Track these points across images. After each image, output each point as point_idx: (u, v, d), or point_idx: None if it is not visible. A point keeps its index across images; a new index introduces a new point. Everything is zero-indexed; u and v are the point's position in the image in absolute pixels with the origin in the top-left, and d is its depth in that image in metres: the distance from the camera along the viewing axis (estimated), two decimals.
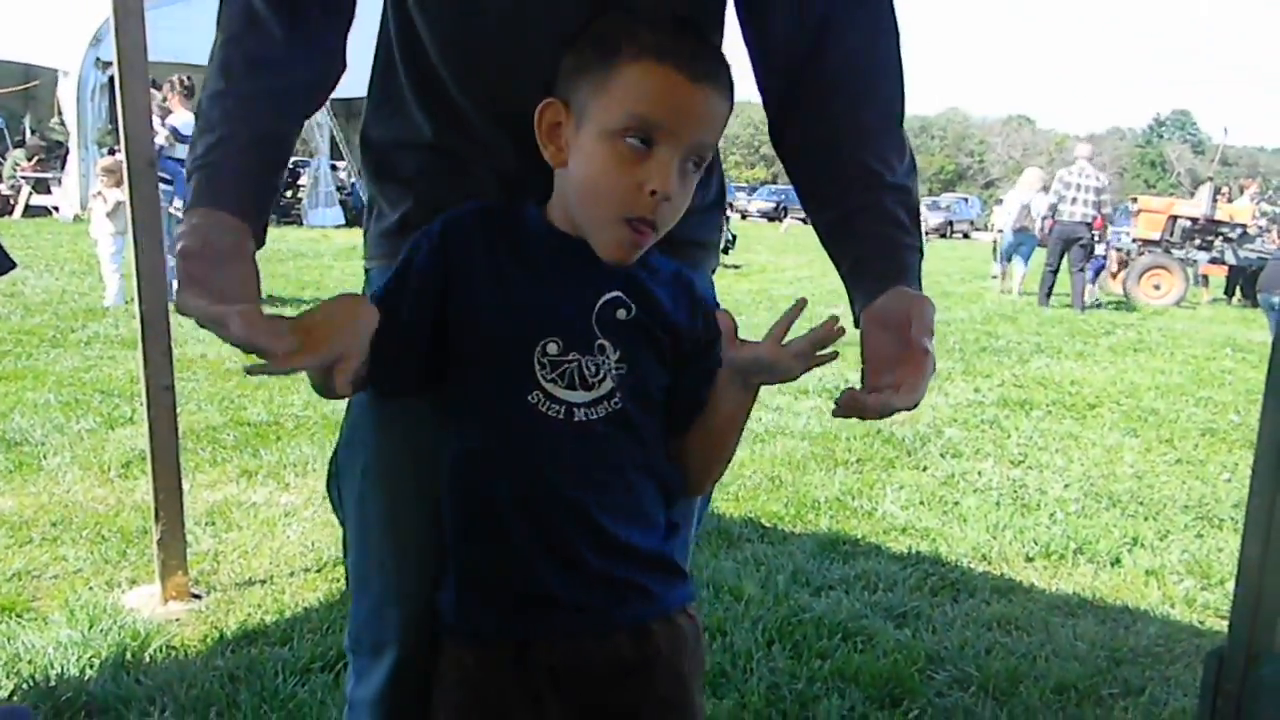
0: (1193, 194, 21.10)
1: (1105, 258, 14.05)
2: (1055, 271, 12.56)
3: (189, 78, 8.98)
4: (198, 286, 1.02)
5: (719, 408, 1.17)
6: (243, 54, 1.16)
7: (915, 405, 1.12)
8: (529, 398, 1.11)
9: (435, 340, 1.13)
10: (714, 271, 1.38)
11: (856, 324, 1.21)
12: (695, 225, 1.27)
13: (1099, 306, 13.04)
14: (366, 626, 1.32)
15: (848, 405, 1.09)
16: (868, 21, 1.23)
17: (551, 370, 1.11)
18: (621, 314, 1.14)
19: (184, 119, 8.73)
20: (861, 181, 1.21)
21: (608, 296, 1.13)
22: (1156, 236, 14.76)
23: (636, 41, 1.06)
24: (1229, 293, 14.90)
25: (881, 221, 1.21)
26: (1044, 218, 12.80)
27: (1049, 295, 12.62)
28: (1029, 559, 3.68)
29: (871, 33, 1.23)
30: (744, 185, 44.00)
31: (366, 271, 1.33)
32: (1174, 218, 15.05)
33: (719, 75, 1.10)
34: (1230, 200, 15.88)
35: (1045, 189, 13.23)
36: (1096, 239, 12.75)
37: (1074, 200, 12.39)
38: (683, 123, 1.07)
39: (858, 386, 1.18)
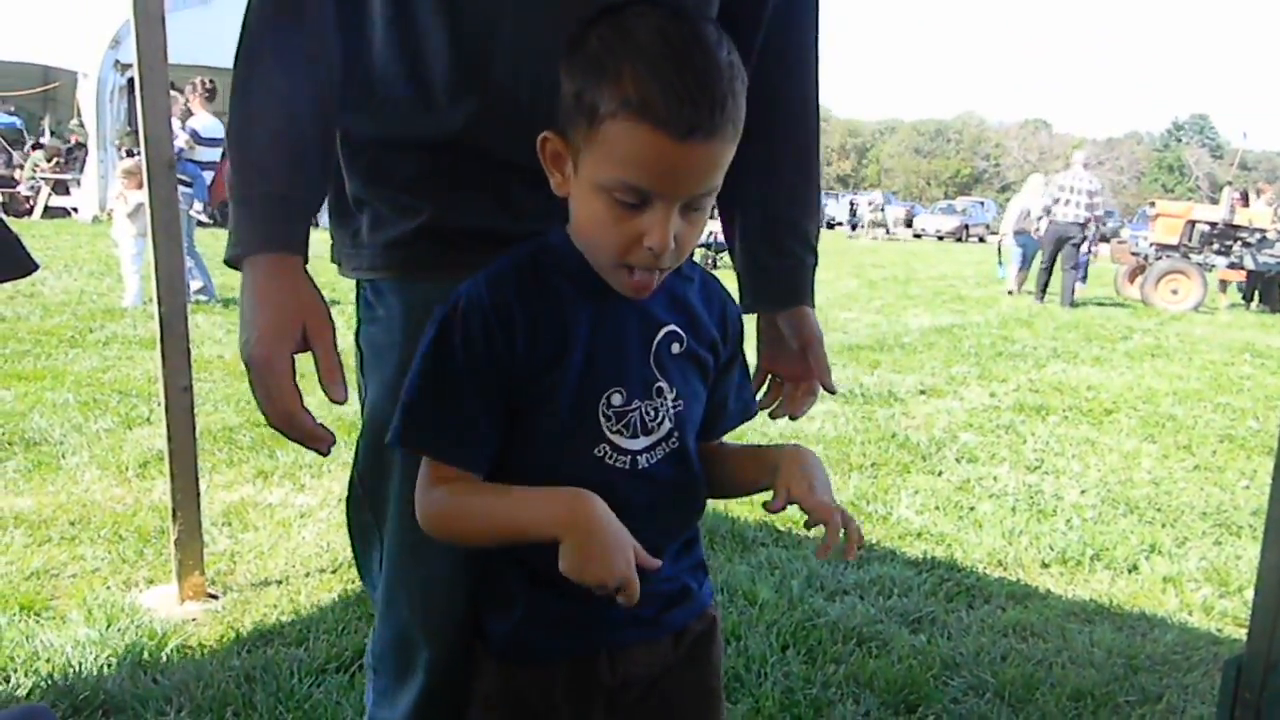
0: (1214, 199, 20.94)
1: (1089, 255, 14.65)
2: (1050, 269, 13.42)
3: (211, 80, 9.03)
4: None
5: (750, 481, 1.22)
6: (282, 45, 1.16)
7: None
8: (595, 451, 1.10)
9: (499, 406, 1.09)
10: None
11: (743, 302, 1.45)
12: None
13: (1082, 305, 13.53)
14: (391, 650, 1.31)
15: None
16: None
17: (617, 421, 1.10)
18: (675, 348, 1.13)
19: (204, 122, 8.79)
20: (786, 196, 1.45)
21: (664, 332, 1.12)
22: (1174, 241, 14.66)
23: (620, 90, 0.98)
24: (1248, 298, 14.79)
25: (793, 240, 1.46)
26: (1038, 218, 13.74)
27: (1044, 292, 13.37)
28: (1045, 565, 3.66)
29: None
30: None
31: (371, 284, 1.27)
32: (1192, 222, 14.96)
33: (712, 118, 0.99)
34: (1247, 205, 15.76)
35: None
36: (1085, 240, 13.53)
37: (1068, 202, 13.16)
38: (672, 185, 1.01)
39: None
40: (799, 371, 1.49)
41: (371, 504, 1.30)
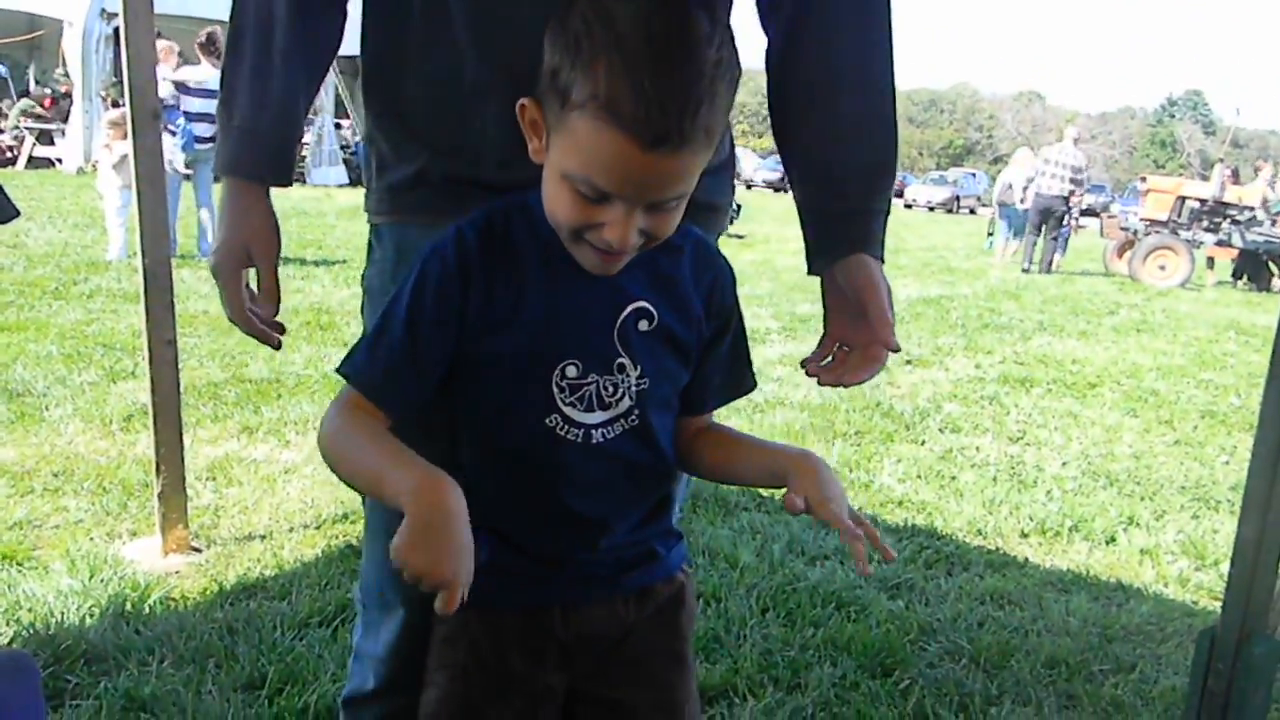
0: (1205, 176, 20.97)
1: (1069, 228, 14.95)
2: (1037, 238, 14.05)
3: (212, 31, 8.93)
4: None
5: (750, 478, 1.24)
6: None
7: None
8: (547, 421, 1.09)
9: (443, 358, 1.10)
10: (719, 235, 1.37)
11: (810, 263, 1.37)
12: (705, 187, 1.23)
13: (1068, 277, 13.91)
14: (377, 582, 1.35)
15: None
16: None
17: (571, 394, 1.09)
18: (644, 325, 1.11)
19: (198, 73, 8.71)
20: (851, 141, 1.31)
21: (631, 309, 1.10)
22: (1164, 217, 14.69)
23: (591, 83, 0.95)
24: (1236, 275, 14.84)
25: (858, 186, 1.32)
26: (1022, 189, 14.29)
27: (1030, 260, 14.02)
28: (1024, 535, 3.70)
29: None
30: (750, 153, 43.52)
31: (375, 227, 1.32)
32: (1182, 198, 14.98)
33: (682, 128, 0.95)
34: (1239, 182, 15.78)
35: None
36: (1068, 212, 14.08)
37: (1052, 175, 13.67)
38: (635, 191, 0.99)
39: None
40: (864, 337, 1.31)
41: None
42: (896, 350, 1.29)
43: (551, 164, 1.03)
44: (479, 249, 1.07)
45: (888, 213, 1.34)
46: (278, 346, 1.38)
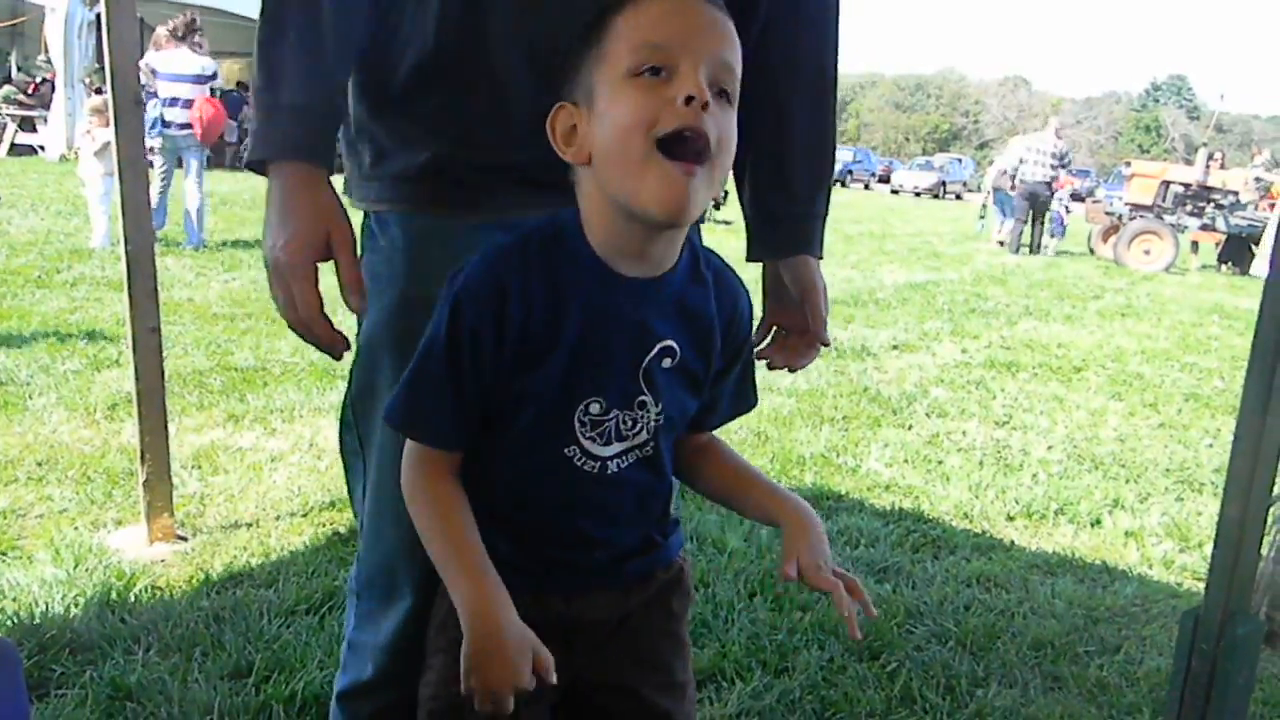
0: (1189, 160, 21.05)
1: (1060, 213, 15.56)
2: (1024, 223, 14.46)
3: (192, 17, 8.86)
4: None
5: (746, 511, 1.25)
6: None
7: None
8: (565, 450, 1.10)
9: (485, 392, 1.09)
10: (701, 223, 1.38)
11: (749, 255, 1.48)
12: None
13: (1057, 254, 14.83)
14: (378, 574, 1.34)
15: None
16: None
17: (591, 429, 1.10)
18: (667, 363, 1.11)
19: (166, 57, 8.64)
20: (801, 143, 1.42)
21: (659, 348, 1.10)
22: (1148, 201, 14.75)
23: (621, 6, 1.02)
24: (1221, 260, 14.92)
25: (803, 187, 1.43)
26: (1009, 175, 14.88)
27: (1019, 244, 14.45)
28: (1010, 518, 3.71)
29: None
30: None
31: (376, 215, 1.29)
32: (1166, 183, 15.04)
33: None
34: (1223, 167, 15.86)
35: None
36: (1053, 197, 14.63)
37: (1036, 162, 14.08)
38: (694, 35, 1.00)
39: (843, 344, 1.36)
40: (801, 323, 1.46)
41: (360, 429, 1.33)
42: (828, 345, 1.47)
43: (605, 105, 1.01)
44: (520, 277, 1.05)
45: (827, 214, 1.47)
46: (340, 356, 1.21)
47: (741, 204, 1.47)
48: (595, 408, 1.09)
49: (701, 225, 1.37)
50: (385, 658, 1.35)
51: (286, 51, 1.16)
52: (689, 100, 0.97)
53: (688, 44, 0.99)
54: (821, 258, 1.46)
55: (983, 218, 17.40)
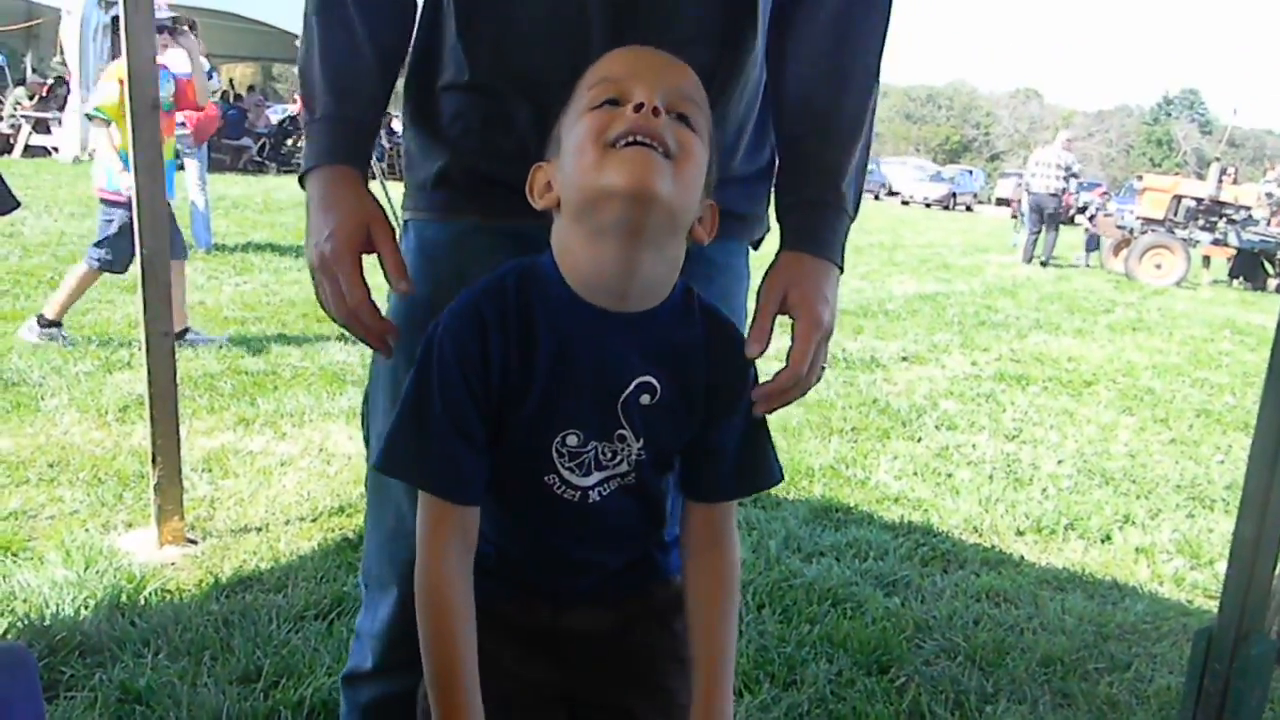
0: (1201, 175, 21.04)
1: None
2: (1036, 234, 14.67)
3: (189, 20, 8.89)
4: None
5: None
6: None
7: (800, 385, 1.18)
8: (545, 479, 1.10)
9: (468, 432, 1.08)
10: (757, 246, 1.37)
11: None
12: (734, 195, 1.25)
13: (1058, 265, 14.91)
14: (376, 561, 1.38)
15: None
16: None
17: (570, 460, 1.10)
18: (646, 399, 1.09)
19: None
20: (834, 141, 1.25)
21: (637, 382, 1.08)
22: (1160, 215, 14.71)
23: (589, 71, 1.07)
24: (1233, 275, 14.87)
25: (824, 187, 1.24)
26: (1019, 186, 15.33)
27: (1030, 255, 14.68)
28: (1020, 533, 3.70)
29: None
30: None
31: (404, 223, 1.34)
32: (1178, 197, 14.99)
33: (678, 55, 1.07)
34: (1236, 182, 15.81)
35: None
36: (1062, 209, 14.82)
37: (1046, 175, 14.35)
38: (647, 69, 1.04)
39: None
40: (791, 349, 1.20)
41: (370, 422, 1.36)
42: (800, 384, 1.18)
43: (569, 144, 1.04)
44: (497, 317, 1.06)
45: (852, 213, 1.29)
46: (390, 351, 1.22)
47: (777, 191, 1.32)
48: (573, 440, 1.09)
49: (757, 246, 1.36)
50: (381, 646, 1.38)
51: (318, 68, 1.22)
52: (639, 107, 1.00)
53: (641, 75, 1.03)
54: (838, 265, 1.24)
55: (1018, 230, 17.44)
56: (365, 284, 1.17)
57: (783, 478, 1.20)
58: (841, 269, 1.25)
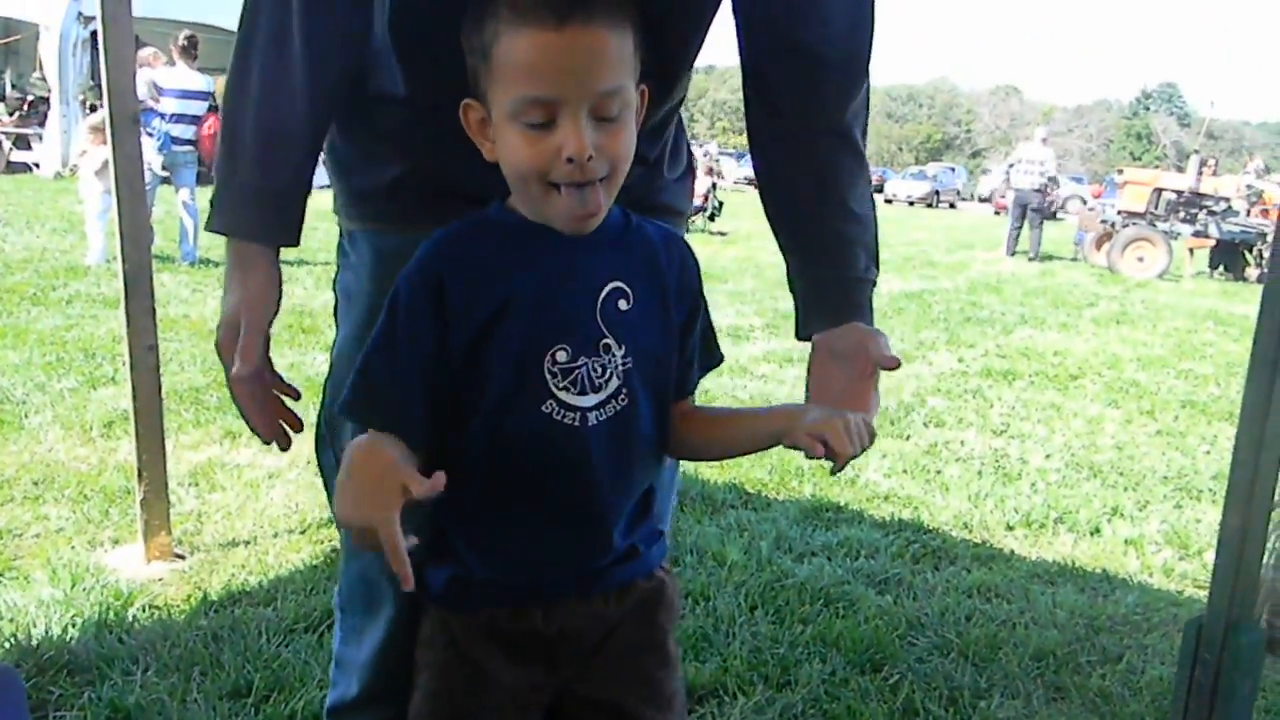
0: (1181, 168, 21.19)
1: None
2: (1018, 229, 15.08)
3: (191, 35, 8.89)
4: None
5: (747, 444, 1.25)
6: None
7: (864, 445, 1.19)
8: (543, 408, 1.10)
9: (436, 378, 1.10)
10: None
11: (798, 332, 1.35)
12: (670, 193, 1.34)
13: (1049, 258, 15.18)
14: (358, 588, 1.34)
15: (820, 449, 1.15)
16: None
17: (563, 378, 1.10)
18: (623, 304, 1.12)
19: (173, 74, 8.67)
20: (832, 213, 1.31)
21: (609, 289, 1.12)
22: (1141, 209, 14.80)
23: (496, 13, 1.02)
24: (1213, 266, 14.96)
25: (844, 252, 1.32)
26: (1001, 181, 15.57)
27: (1013, 249, 15.12)
28: (1010, 528, 3.71)
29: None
30: (731, 151, 43.33)
31: (348, 233, 1.31)
32: (1159, 190, 15.09)
33: (589, 4, 1.01)
34: (1215, 174, 15.92)
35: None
36: (1046, 204, 15.39)
37: (1026, 171, 14.68)
38: (569, 83, 1.02)
39: None
40: (848, 399, 1.28)
41: (334, 443, 1.32)
42: (865, 412, 1.25)
43: (499, 126, 1.06)
44: (445, 261, 1.09)
45: (876, 281, 1.37)
46: (285, 447, 1.28)
47: (791, 287, 1.37)
48: (562, 355, 1.10)
49: (688, 231, 1.40)
50: (369, 674, 1.35)
51: (248, 125, 1.19)
52: (570, 160, 1.03)
53: (563, 94, 1.02)
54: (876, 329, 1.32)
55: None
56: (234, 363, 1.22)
57: (724, 357, 1.29)
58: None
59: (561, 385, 1.10)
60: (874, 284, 1.34)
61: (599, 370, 1.11)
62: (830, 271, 1.32)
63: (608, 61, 1.04)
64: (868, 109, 1.35)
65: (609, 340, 1.11)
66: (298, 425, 1.29)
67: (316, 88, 1.18)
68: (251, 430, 1.26)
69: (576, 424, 1.11)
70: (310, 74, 1.17)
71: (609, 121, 1.05)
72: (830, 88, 1.29)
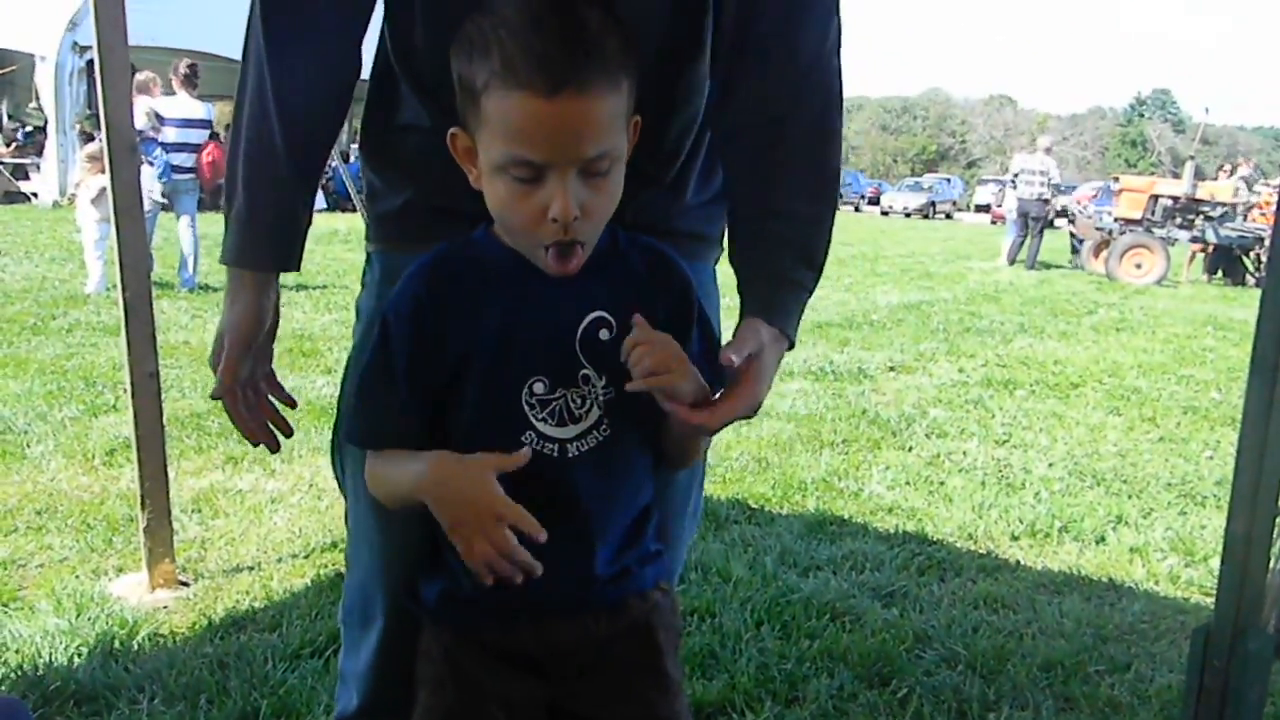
0: (1176, 174, 21.26)
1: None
2: (1022, 239, 15.16)
3: (192, 63, 8.94)
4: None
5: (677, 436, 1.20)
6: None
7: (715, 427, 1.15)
8: (523, 439, 1.11)
9: (426, 396, 1.14)
10: (716, 262, 1.38)
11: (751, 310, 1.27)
12: (694, 218, 1.29)
13: (1049, 267, 15.32)
14: (356, 600, 1.36)
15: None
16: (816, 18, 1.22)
17: (541, 409, 1.11)
18: (604, 334, 1.12)
19: (174, 103, 8.71)
20: (782, 207, 1.22)
21: (590, 319, 1.12)
22: (1138, 215, 14.82)
23: (489, 63, 1.01)
24: (1210, 271, 14.97)
25: (761, 248, 1.23)
26: (999, 192, 15.52)
27: (1014, 258, 15.19)
28: (1014, 538, 3.70)
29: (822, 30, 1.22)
30: None
31: (368, 255, 1.35)
32: (1155, 197, 15.11)
33: (579, 70, 0.99)
34: (1214, 179, 15.98)
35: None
36: (1047, 213, 15.35)
37: (1028, 181, 14.77)
38: (558, 150, 1.01)
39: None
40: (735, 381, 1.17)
41: (342, 458, 1.36)
42: (707, 427, 1.15)
43: (485, 170, 1.07)
44: (428, 288, 1.12)
45: (809, 291, 1.27)
46: (274, 449, 1.36)
47: (731, 263, 1.29)
48: (539, 386, 1.11)
49: (716, 262, 1.37)
50: (367, 686, 1.37)
51: (239, 161, 1.24)
52: (556, 220, 1.03)
53: (552, 159, 1.02)
54: (790, 340, 1.22)
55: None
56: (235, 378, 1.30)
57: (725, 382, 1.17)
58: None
59: (540, 416, 1.11)
60: (797, 283, 1.23)
61: (578, 401, 1.12)
62: (748, 268, 1.23)
63: (600, 128, 1.03)
64: (833, 105, 1.23)
65: (588, 371, 1.11)
66: (288, 431, 1.35)
67: (291, 141, 1.22)
68: (240, 434, 1.34)
69: (555, 455, 1.12)
70: (284, 128, 1.21)
71: (598, 176, 1.05)
72: (771, 75, 1.20)
